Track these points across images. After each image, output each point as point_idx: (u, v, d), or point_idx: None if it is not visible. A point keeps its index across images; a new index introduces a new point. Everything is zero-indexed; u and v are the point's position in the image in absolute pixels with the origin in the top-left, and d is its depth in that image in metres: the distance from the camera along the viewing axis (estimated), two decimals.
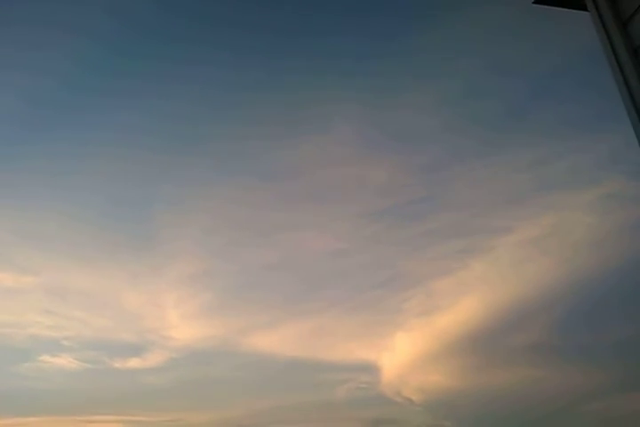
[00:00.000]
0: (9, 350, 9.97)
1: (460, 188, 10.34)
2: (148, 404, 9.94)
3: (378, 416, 9.93)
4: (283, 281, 10.74)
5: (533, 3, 2.93)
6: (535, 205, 9.85)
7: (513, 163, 9.94)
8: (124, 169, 10.05)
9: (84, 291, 10.42)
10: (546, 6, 2.95)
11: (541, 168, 9.77)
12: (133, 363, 10.45)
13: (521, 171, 10.00)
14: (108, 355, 10.39)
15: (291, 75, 9.29)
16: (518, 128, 9.78)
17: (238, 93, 9.66)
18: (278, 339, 10.81)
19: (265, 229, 10.64)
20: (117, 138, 9.77)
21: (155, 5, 8.82)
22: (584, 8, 2.82)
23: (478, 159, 10.05)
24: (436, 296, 10.78)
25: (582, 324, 9.54)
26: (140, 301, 10.70)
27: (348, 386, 10.42)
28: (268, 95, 9.47)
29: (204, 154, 10.18)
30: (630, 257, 8.81)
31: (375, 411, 10.05)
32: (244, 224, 10.72)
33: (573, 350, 9.51)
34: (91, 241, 10.35)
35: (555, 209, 9.84)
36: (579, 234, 9.83)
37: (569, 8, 2.96)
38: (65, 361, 10.23)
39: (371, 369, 10.41)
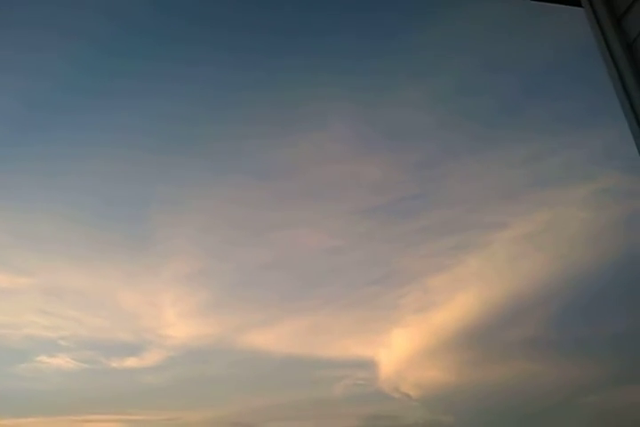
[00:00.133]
0: (5, 350, 9.93)
1: (454, 184, 10.38)
2: (145, 403, 9.94)
3: (375, 412, 9.96)
4: (278, 279, 10.76)
5: None
6: (529, 201, 9.89)
7: (507, 159, 9.99)
8: (120, 169, 10.03)
9: (80, 291, 10.41)
10: (540, 2, 2.97)
11: (535, 164, 9.81)
12: (131, 362, 10.44)
13: (515, 167, 10.04)
14: (105, 354, 10.38)
15: (286, 73, 9.29)
16: (512, 124, 9.82)
17: (234, 93, 9.65)
18: (274, 337, 10.83)
19: (260, 227, 10.65)
20: (113, 138, 9.75)
21: (149, 6, 8.80)
22: (578, 4, 2.85)
23: (472, 155, 10.09)
24: (431, 292, 10.82)
25: (578, 318, 9.61)
26: (136, 300, 10.69)
27: (345, 383, 10.45)
28: (265, 94, 9.47)
29: (200, 154, 10.18)
30: (625, 251, 8.88)
31: (373, 407, 10.08)
32: (239, 223, 10.73)
33: (570, 344, 9.58)
34: (86, 241, 10.33)
35: (549, 205, 9.89)
36: (573, 229, 9.89)
37: (563, 4, 2.98)
38: (62, 361, 10.22)
39: (368, 365, 10.45)
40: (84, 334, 10.49)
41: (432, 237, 10.65)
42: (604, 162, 9.18)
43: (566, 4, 3.01)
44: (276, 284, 10.77)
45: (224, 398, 10.17)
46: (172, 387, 10.22)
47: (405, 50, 9.07)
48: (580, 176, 9.40)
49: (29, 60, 8.87)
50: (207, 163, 10.30)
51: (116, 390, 9.94)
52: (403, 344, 10.57)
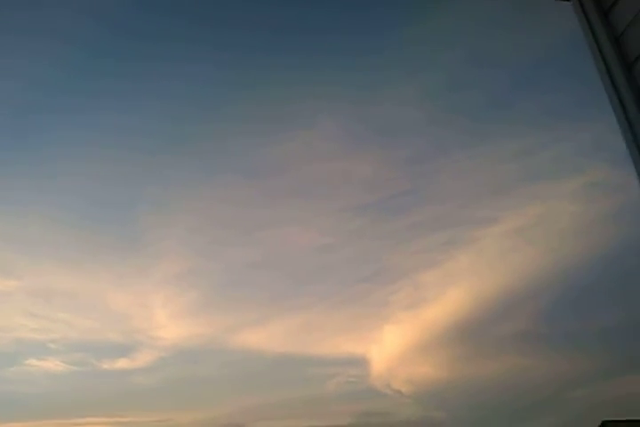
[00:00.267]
0: None
1: (445, 180, 10.38)
2: (136, 404, 9.89)
3: (368, 409, 9.98)
4: (269, 278, 10.73)
5: None
6: (520, 196, 9.92)
7: (497, 153, 9.99)
8: (108, 170, 9.94)
9: (69, 293, 10.32)
10: None
11: (526, 158, 9.83)
12: (121, 364, 10.38)
13: (505, 161, 10.06)
14: (96, 356, 10.31)
15: (275, 72, 9.22)
16: (502, 119, 9.83)
17: (223, 91, 9.59)
18: (266, 336, 10.80)
19: (250, 226, 10.60)
20: (101, 139, 9.65)
21: (134, 6, 8.71)
22: None
23: (462, 151, 10.08)
24: (422, 288, 10.84)
25: (569, 312, 9.66)
26: (126, 301, 10.62)
27: (337, 380, 10.46)
28: (253, 92, 9.40)
29: (189, 153, 10.11)
30: (615, 245, 8.93)
31: (365, 404, 10.10)
32: (228, 222, 10.67)
33: (560, 338, 9.63)
34: (75, 243, 10.24)
35: (540, 199, 9.92)
36: (564, 223, 9.93)
37: None
38: (51, 364, 10.14)
39: (360, 363, 10.46)
40: (73, 337, 10.42)
41: (423, 234, 10.67)
42: (593, 155, 9.22)
43: None
44: (266, 283, 10.74)
45: (215, 399, 10.14)
46: (162, 388, 10.18)
47: (394, 46, 9.03)
48: (570, 169, 9.43)
49: (16, 65, 8.77)
50: (196, 162, 10.24)
51: (105, 392, 9.89)
52: (394, 341, 10.58)
